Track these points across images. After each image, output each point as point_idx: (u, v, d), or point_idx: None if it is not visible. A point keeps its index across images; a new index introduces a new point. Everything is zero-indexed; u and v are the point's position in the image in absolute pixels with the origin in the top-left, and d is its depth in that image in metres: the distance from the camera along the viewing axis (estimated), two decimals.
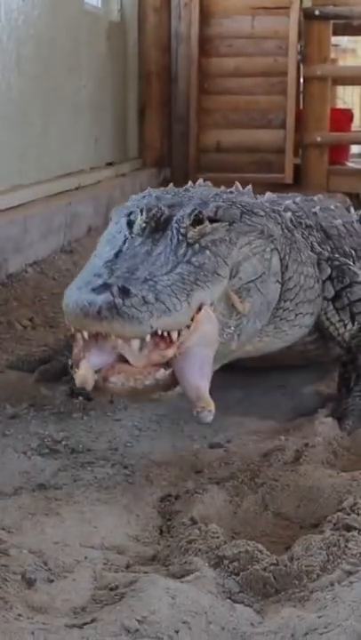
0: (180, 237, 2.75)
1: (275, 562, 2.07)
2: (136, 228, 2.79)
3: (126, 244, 2.75)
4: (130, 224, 2.82)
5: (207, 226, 2.81)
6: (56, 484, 2.56)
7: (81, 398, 3.20)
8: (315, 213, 3.60)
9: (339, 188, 7.93)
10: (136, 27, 8.63)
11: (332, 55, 9.32)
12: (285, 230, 3.18)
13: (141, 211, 2.81)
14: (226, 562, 2.09)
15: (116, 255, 2.70)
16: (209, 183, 3.34)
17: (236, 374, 3.55)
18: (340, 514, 2.26)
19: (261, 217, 3.04)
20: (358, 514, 2.26)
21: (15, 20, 5.44)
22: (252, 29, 8.35)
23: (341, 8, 8.41)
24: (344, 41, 12.00)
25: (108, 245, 2.80)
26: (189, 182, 3.32)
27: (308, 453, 2.69)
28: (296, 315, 3.17)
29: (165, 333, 2.47)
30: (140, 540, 2.30)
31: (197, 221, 2.79)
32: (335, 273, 3.32)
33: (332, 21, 8.11)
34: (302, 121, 8.12)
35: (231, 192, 3.18)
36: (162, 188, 3.19)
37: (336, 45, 10.85)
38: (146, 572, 2.07)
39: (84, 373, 2.46)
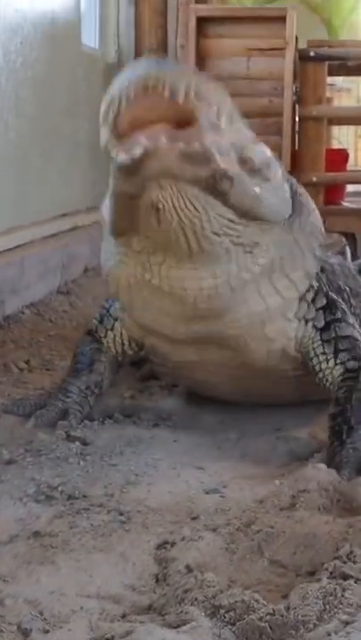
0: None
1: (271, 611, 2.06)
2: None
3: None
4: None
5: None
6: (52, 531, 2.55)
7: (77, 443, 3.20)
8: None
9: (334, 227, 7.94)
10: None
11: (328, 94, 9.38)
12: (301, 193, 3.27)
13: None
14: (222, 611, 2.08)
15: None
16: None
17: (231, 416, 3.58)
18: (336, 562, 2.26)
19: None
20: (355, 562, 2.25)
21: (13, 62, 5.49)
22: (247, 71, 8.41)
23: (337, 49, 8.48)
24: (340, 80, 12.09)
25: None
26: None
27: (303, 499, 2.69)
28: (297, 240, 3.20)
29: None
30: (136, 589, 2.29)
31: None
32: (329, 304, 3.34)
33: (327, 62, 8.18)
34: (298, 161, 8.16)
35: None
36: None
37: (332, 85, 10.94)
38: (142, 622, 2.07)
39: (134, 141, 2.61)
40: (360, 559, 2.27)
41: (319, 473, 2.87)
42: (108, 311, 3.55)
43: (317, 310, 3.31)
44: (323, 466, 2.92)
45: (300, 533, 2.46)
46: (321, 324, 3.30)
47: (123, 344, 3.53)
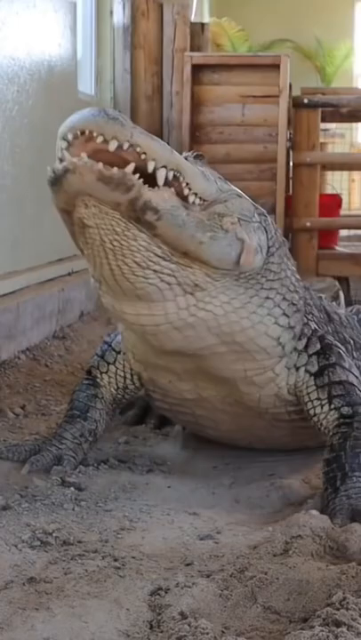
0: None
1: None
2: None
3: None
4: None
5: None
6: (47, 577, 2.55)
7: (72, 489, 3.22)
8: (320, 297, 3.69)
9: (328, 271, 8.03)
10: (129, 114, 8.80)
11: (322, 139, 9.51)
12: (279, 235, 3.27)
13: None
14: None
15: None
16: None
17: (224, 462, 3.59)
18: (329, 609, 2.26)
19: (257, 207, 3.18)
20: (348, 609, 2.26)
21: (10, 110, 5.56)
22: (242, 117, 8.52)
23: (330, 97, 8.62)
24: (333, 126, 12.22)
25: None
26: None
27: (297, 545, 2.70)
28: (267, 297, 3.16)
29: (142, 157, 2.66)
30: (131, 636, 2.29)
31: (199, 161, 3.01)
32: (323, 349, 3.35)
33: (320, 109, 8.29)
34: (292, 206, 8.25)
35: None
36: None
37: (325, 130, 11.06)
38: None
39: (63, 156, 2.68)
40: (353, 606, 2.27)
41: (312, 519, 2.88)
42: (109, 345, 3.57)
43: (310, 356, 3.32)
44: (316, 512, 2.94)
45: (294, 580, 2.47)
46: (315, 369, 3.31)
47: (125, 377, 3.54)
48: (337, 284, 7.47)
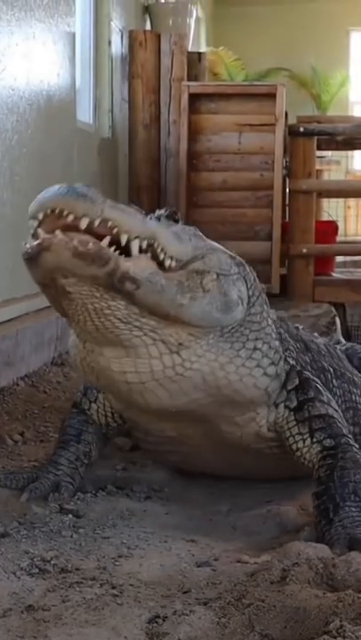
0: (153, 217, 2.91)
1: None
2: None
3: None
4: None
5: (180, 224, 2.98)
6: (45, 605, 2.56)
7: (71, 516, 3.23)
8: (296, 327, 3.72)
9: (324, 297, 8.04)
10: (127, 142, 8.87)
11: (318, 167, 9.55)
12: (257, 283, 3.27)
13: None
14: None
15: None
16: None
17: (221, 488, 3.60)
18: (326, 636, 2.27)
19: (235, 255, 3.18)
20: (344, 637, 2.27)
21: (10, 139, 5.61)
22: (239, 145, 8.57)
23: (325, 125, 8.66)
24: (329, 153, 12.28)
25: None
26: None
27: (294, 573, 2.70)
28: (254, 348, 3.18)
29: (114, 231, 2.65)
30: None
31: (173, 220, 2.97)
32: (302, 383, 3.36)
33: (316, 137, 8.34)
34: (288, 233, 8.28)
35: None
36: None
37: (321, 157, 11.11)
38: None
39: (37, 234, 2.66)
40: (350, 634, 2.28)
41: (309, 547, 2.89)
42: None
43: (289, 392, 3.33)
44: (313, 540, 2.95)
45: (291, 607, 2.47)
46: (294, 404, 3.32)
47: (106, 416, 3.59)
48: (333, 310, 7.49)
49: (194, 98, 8.65)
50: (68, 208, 2.61)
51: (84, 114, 8.21)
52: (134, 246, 2.72)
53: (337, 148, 10.04)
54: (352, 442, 3.27)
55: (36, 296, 6.00)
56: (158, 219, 2.92)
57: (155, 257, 2.79)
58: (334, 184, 10.70)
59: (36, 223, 2.68)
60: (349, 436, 3.31)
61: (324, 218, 10.44)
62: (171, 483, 3.69)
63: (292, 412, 3.31)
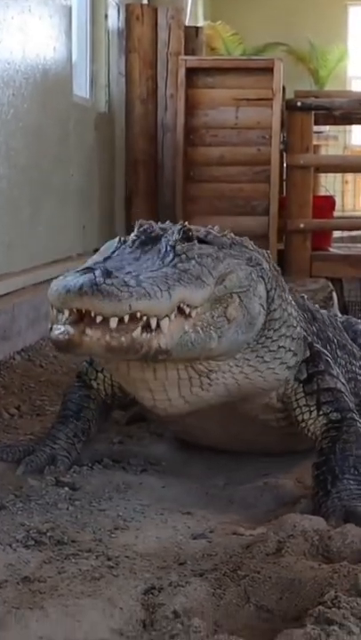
0: (169, 248, 2.89)
1: None
2: (128, 242, 2.95)
3: (116, 252, 2.88)
4: (122, 241, 2.97)
5: (195, 244, 2.96)
6: (41, 576, 2.57)
7: (67, 489, 3.23)
8: (303, 297, 3.72)
9: (321, 273, 8.05)
10: (123, 117, 8.83)
11: (315, 142, 9.52)
12: (273, 270, 3.29)
13: (134, 227, 2.99)
14: None
15: (105, 260, 2.84)
16: None
17: (218, 462, 3.61)
18: (321, 607, 2.27)
19: (251, 250, 3.19)
20: (339, 607, 2.27)
21: (5, 113, 5.58)
22: (236, 120, 8.54)
23: (323, 100, 8.65)
24: (327, 128, 12.24)
25: (98, 255, 2.97)
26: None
27: (289, 545, 2.71)
28: (279, 347, 3.24)
29: (144, 318, 2.63)
30: (124, 634, 2.31)
31: (187, 238, 2.93)
32: (313, 356, 3.37)
33: (313, 112, 8.31)
34: (286, 208, 8.27)
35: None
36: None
37: (319, 132, 11.08)
38: None
39: (65, 328, 2.61)
40: (345, 605, 2.28)
41: (305, 519, 2.90)
42: None
43: (300, 363, 3.35)
44: (309, 512, 2.96)
45: (286, 579, 2.49)
46: (303, 376, 3.34)
47: (112, 386, 3.58)
48: (330, 285, 7.49)
49: (191, 72, 8.61)
50: (96, 310, 2.57)
51: (81, 88, 8.16)
52: (164, 325, 2.72)
53: (335, 123, 10.02)
54: (357, 417, 3.28)
55: (33, 270, 6.01)
56: (173, 247, 2.88)
57: (182, 312, 2.81)
58: (332, 159, 10.68)
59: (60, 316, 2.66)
60: (355, 411, 3.32)
61: (322, 193, 10.41)
62: (168, 456, 3.69)
63: (301, 384, 3.33)
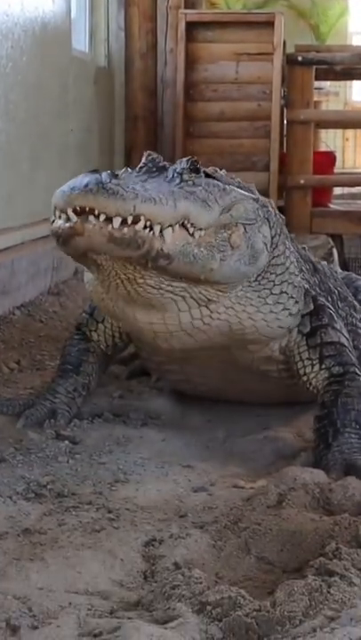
0: (176, 175, 2.86)
1: (257, 608, 2.09)
2: (135, 169, 2.91)
3: (123, 175, 2.82)
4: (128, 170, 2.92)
5: (203, 176, 2.93)
6: (41, 528, 2.58)
7: (67, 442, 3.23)
8: (303, 248, 3.70)
9: (322, 229, 8.01)
10: (123, 72, 8.74)
11: (316, 98, 9.45)
12: (279, 216, 3.29)
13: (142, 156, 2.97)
14: (209, 608, 2.10)
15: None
16: None
17: (218, 416, 3.61)
18: (322, 559, 2.28)
19: (257, 196, 3.18)
20: (340, 559, 2.28)
21: (4, 66, 5.52)
22: (236, 75, 8.46)
23: (324, 54, 8.56)
24: (327, 84, 12.15)
25: None
26: None
27: (290, 497, 2.72)
28: (281, 292, 3.22)
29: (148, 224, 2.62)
30: (125, 585, 2.32)
31: (194, 169, 2.90)
32: (316, 309, 3.36)
33: (314, 67, 8.23)
34: (286, 164, 8.22)
35: None
36: None
37: (320, 89, 10.99)
38: (130, 618, 2.09)
39: (68, 216, 2.59)
40: (346, 556, 2.30)
41: (306, 472, 2.91)
42: None
43: (303, 316, 3.34)
44: (309, 465, 2.96)
45: (287, 531, 2.49)
46: (307, 329, 3.33)
47: (113, 336, 3.56)
48: (331, 241, 7.46)
49: (191, 26, 8.52)
50: (100, 208, 2.56)
51: (80, 42, 8.08)
52: (167, 234, 2.71)
53: (335, 79, 9.94)
54: (360, 371, 3.28)
55: (32, 225, 5.97)
56: (181, 175, 2.85)
57: (186, 228, 2.79)
58: (332, 114, 10.61)
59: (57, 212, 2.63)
60: (358, 365, 3.31)
61: (322, 149, 10.34)
62: (167, 410, 3.69)
63: (304, 337, 3.32)
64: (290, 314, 3.27)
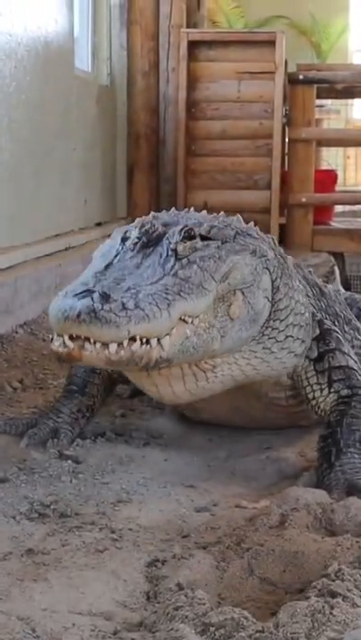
0: (170, 252, 2.86)
1: (260, 629, 2.09)
2: (129, 242, 2.91)
3: (117, 258, 2.86)
4: (124, 240, 2.93)
5: (198, 242, 2.92)
6: (44, 549, 2.58)
7: (70, 461, 3.24)
8: (310, 272, 3.71)
9: (323, 247, 8.03)
10: (125, 90, 8.77)
11: (317, 116, 9.48)
12: (279, 256, 3.26)
13: (136, 226, 2.94)
14: (212, 629, 2.10)
15: (106, 267, 2.83)
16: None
17: (220, 435, 3.61)
18: (324, 580, 2.29)
19: (255, 239, 3.15)
20: (343, 580, 2.29)
21: (7, 85, 5.55)
22: (238, 93, 8.49)
23: (325, 73, 8.60)
24: (329, 102, 12.18)
25: (100, 259, 2.93)
26: (191, 208, 3.37)
27: (293, 518, 2.72)
28: (286, 337, 3.22)
29: (144, 340, 2.61)
30: (128, 606, 2.32)
31: (188, 237, 2.90)
32: (323, 334, 3.36)
33: (316, 85, 8.27)
34: (287, 182, 8.24)
35: (228, 217, 3.25)
36: (163, 211, 3.29)
37: (321, 106, 11.02)
38: (133, 639, 2.10)
39: (65, 342, 2.59)
40: (348, 577, 2.30)
41: (308, 492, 2.91)
42: None
43: (311, 341, 3.34)
44: (311, 485, 2.97)
45: (290, 552, 2.49)
46: (314, 354, 3.33)
47: None
48: (332, 259, 7.47)
49: (193, 45, 8.55)
50: (94, 337, 2.57)
51: (83, 61, 8.11)
52: (165, 341, 2.70)
53: (337, 97, 9.96)
54: None
55: (35, 244, 6.00)
56: (175, 251, 2.85)
57: (183, 321, 2.78)
58: (334, 133, 10.64)
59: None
60: None
61: (324, 167, 10.36)
62: (169, 429, 3.69)
63: (311, 362, 3.32)
64: (295, 355, 3.28)
